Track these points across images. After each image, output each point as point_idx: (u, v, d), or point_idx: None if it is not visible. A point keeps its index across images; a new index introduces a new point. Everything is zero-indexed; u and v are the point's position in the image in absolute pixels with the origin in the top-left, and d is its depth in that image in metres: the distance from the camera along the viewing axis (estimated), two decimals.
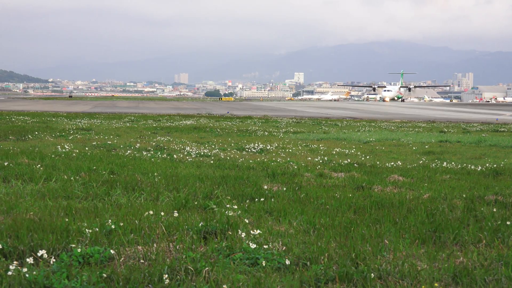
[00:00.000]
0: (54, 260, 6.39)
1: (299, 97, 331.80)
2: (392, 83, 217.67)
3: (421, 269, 6.49)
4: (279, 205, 9.81)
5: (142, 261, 6.52)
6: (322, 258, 6.79)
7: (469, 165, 16.36)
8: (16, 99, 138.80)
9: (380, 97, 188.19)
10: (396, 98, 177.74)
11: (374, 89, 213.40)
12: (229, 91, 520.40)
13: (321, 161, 17.18)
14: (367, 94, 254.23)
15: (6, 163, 13.50)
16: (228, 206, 9.28)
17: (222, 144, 23.04)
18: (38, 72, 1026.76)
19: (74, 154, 16.59)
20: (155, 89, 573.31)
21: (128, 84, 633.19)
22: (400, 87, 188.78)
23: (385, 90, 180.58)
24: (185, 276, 6.12)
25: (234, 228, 7.91)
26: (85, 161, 14.86)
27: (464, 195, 11.13)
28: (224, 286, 5.84)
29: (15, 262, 6.14)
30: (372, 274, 6.23)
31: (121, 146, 20.81)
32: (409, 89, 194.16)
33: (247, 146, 21.77)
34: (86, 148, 19.39)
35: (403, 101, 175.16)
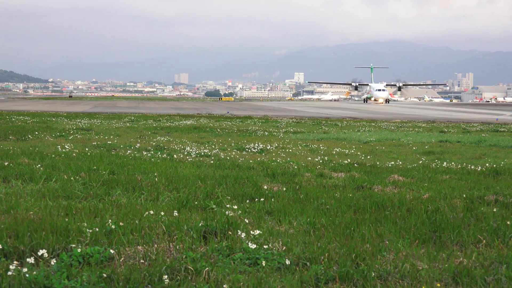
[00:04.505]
0: (54, 260, 6.39)
1: (299, 97, 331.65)
2: (374, 82, 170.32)
3: (421, 269, 6.49)
4: (279, 205, 9.80)
5: (142, 261, 6.52)
6: (322, 258, 6.78)
7: (469, 165, 16.34)
8: (16, 99, 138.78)
9: (369, 97, 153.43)
10: None
11: (356, 88, 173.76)
12: (229, 91, 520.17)
13: (321, 161, 17.18)
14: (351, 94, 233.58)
15: (6, 163, 13.49)
16: (228, 206, 9.28)
17: (222, 144, 23.03)
18: (38, 72, 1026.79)
19: (74, 154, 16.58)
20: (155, 89, 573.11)
21: (128, 84, 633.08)
22: (386, 85, 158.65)
23: (378, 90, 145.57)
24: (185, 276, 6.12)
25: (234, 228, 7.91)
26: (85, 161, 14.85)
27: (464, 195, 11.12)
28: (224, 286, 5.84)
29: (15, 262, 6.14)
30: (372, 274, 6.23)
31: (121, 146, 20.80)
32: (399, 88, 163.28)
33: (247, 146, 21.77)
34: (86, 148, 19.38)
35: (388, 102, 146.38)
